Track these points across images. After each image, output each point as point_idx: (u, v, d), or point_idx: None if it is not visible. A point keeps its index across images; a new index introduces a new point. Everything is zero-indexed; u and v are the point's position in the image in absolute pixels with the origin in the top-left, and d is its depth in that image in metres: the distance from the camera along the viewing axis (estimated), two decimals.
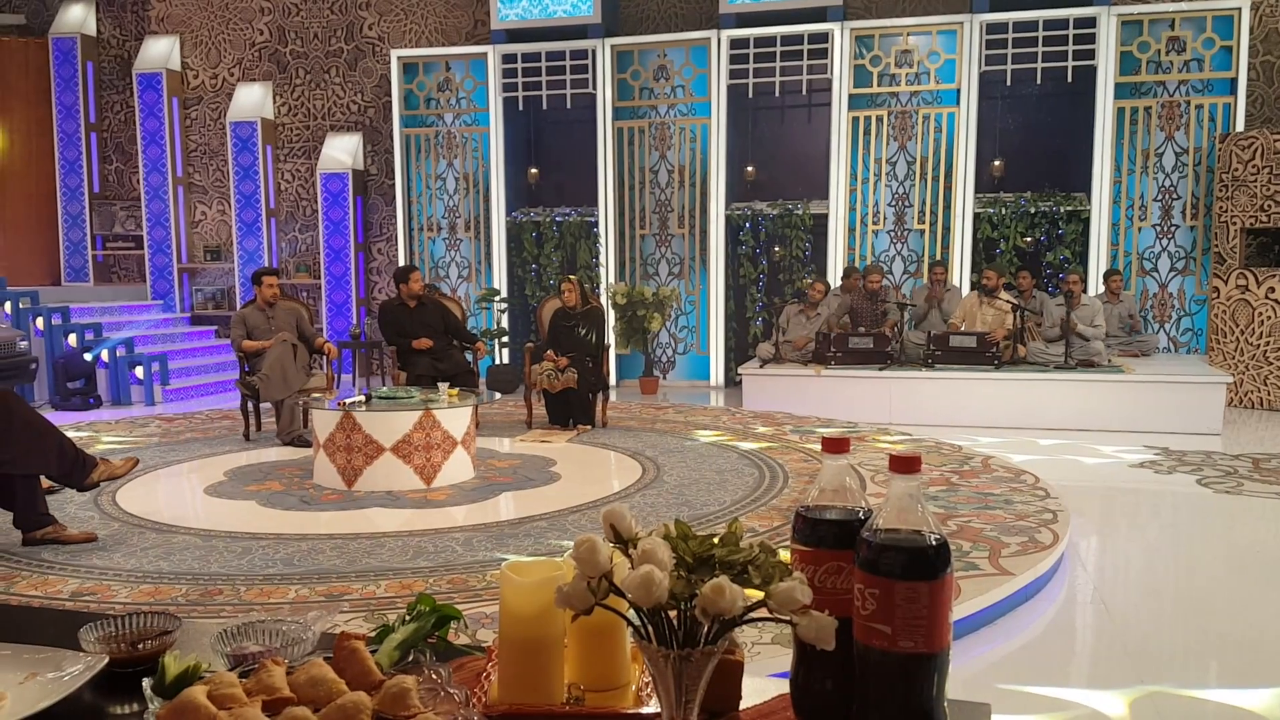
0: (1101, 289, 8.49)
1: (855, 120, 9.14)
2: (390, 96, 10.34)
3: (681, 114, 9.60)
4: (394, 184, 10.39)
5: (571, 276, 7.29)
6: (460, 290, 10.18)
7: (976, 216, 8.94)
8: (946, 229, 9.04)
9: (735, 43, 9.23)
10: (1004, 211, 8.87)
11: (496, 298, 9.71)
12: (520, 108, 10.01)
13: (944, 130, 8.98)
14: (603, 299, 9.30)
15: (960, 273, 8.92)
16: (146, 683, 0.97)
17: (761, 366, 8.10)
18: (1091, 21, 8.54)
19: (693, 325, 9.80)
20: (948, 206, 9.02)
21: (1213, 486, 5.40)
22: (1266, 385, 7.97)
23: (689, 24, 9.75)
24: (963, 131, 8.87)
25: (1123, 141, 8.68)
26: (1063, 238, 8.81)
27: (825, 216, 9.24)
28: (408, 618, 1.13)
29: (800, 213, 9.33)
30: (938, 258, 8.98)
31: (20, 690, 1.02)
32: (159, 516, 4.66)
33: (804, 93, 9.46)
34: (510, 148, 10.05)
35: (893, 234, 9.21)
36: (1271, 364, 7.94)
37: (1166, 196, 8.68)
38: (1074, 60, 8.60)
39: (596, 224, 9.75)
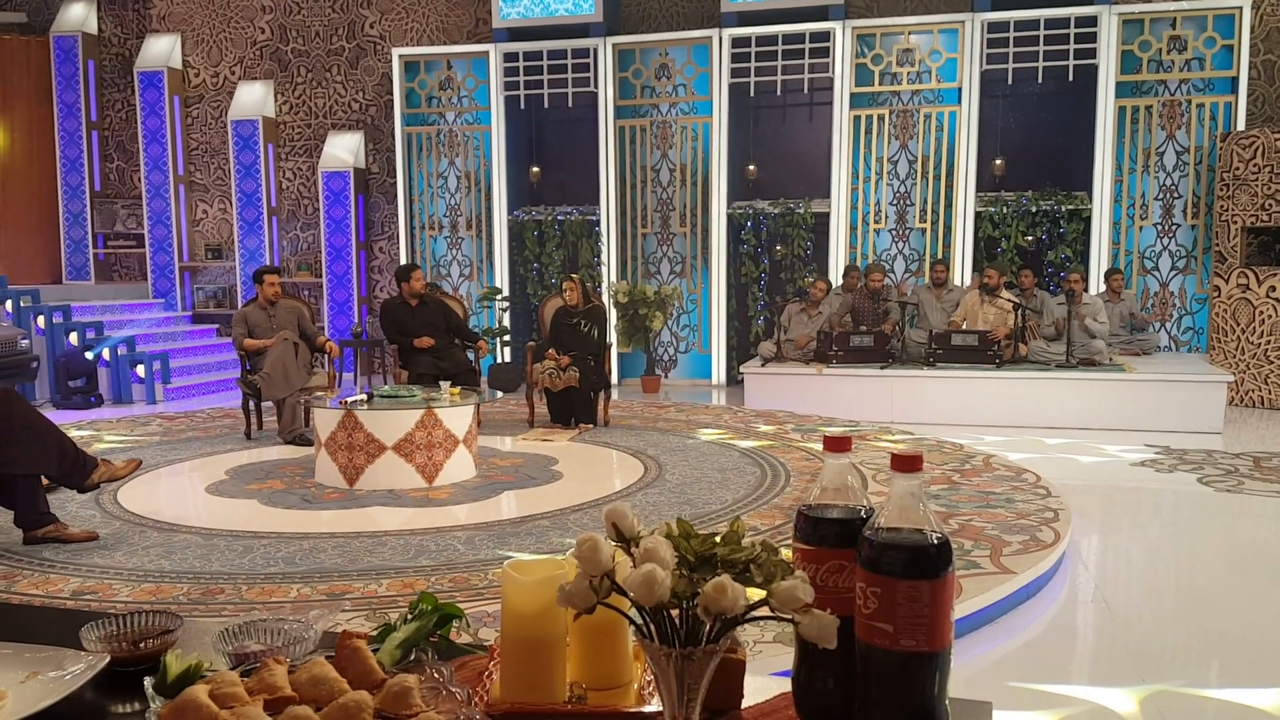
0: (1103, 288, 8.48)
1: (857, 119, 9.13)
2: (392, 95, 10.34)
3: (683, 113, 9.60)
4: (395, 182, 10.39)
5: (573, 275, 7.29)
6: (462, 289, 10.18)
7: (978, 215, 8.93)
8: (948, 228, 9.04)
9: (737, 41, 9.23)
10: (1005, 210, 8.87)
11: (498, 296, 9.71)
12: (522, 106, 10.01)
13: (945, 129, 8.98)
14: (604, 298, 9.30)
15: (961, 271, 8.92)
16: (148, 682, 0.97)
17: (763, 365, 8.10)
18: (1093, 20, 8.53)
19: (694, 324, 9.80)
20: (949, 205, 9.02)
21: (1214, 485, 5.40)
22: (1267, 384, 7.97)
23: (690, 23, 9.74)
24: (964, 130, 8.86)
25: (1124, 140, 8.68)
26: (1064, 236, 8.81)
27: (827, 215, 9.24)
28: (410, 616, 1.13)
29: (802, 211, 9.33)
30: (939, 256, 8.97)
31: (21, 689, 1.02)
32: (160, 515, 4.66)
33: (805, 91, 9.45)
34: (512, 146, 10.04)
35: (894, 233, 9.21)
36: (1272, 363, 7.94)
37: (1167, 195, 8.67)
38: (1075, 59, 8.59)
39: (598, 222, 9.75)
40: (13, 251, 11.05)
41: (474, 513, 4.69)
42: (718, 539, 0.92)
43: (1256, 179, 7.95)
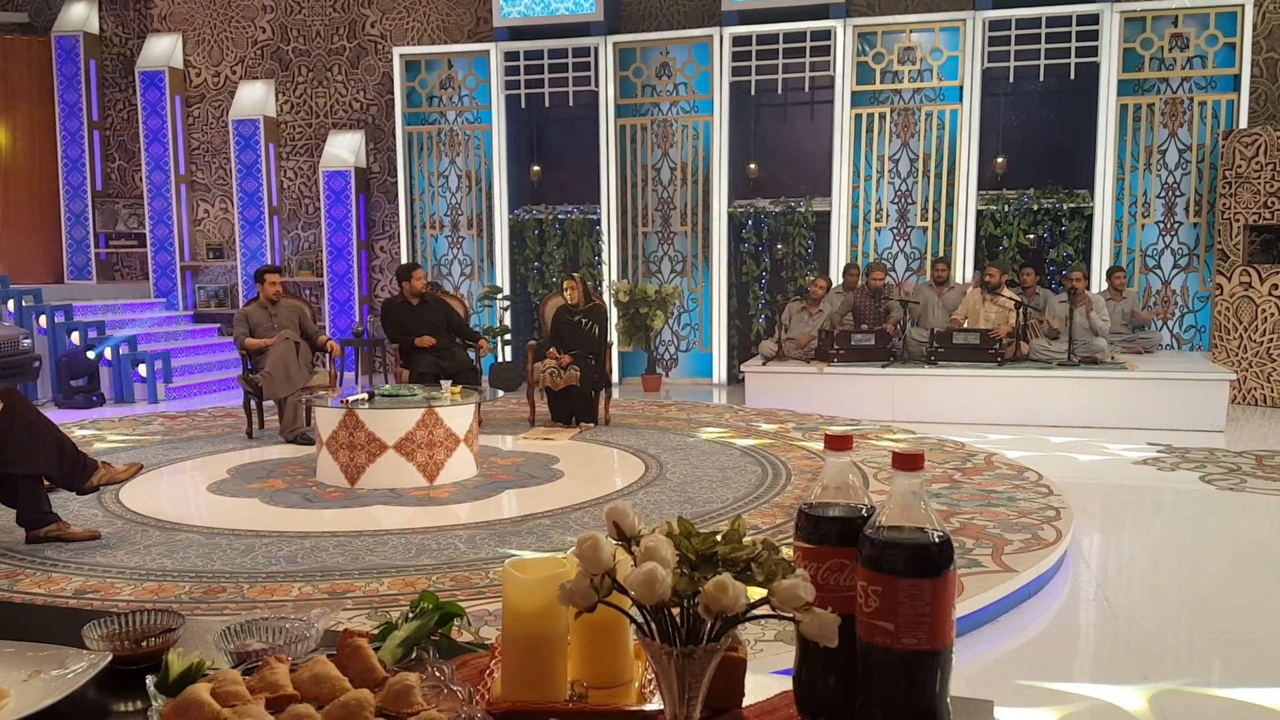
0: (1105, 286, 8.48)
1: (858, 117, 9.13)
2: (393, 94, 10.34)
3: (684, 111, 9.59)
4: (396, 181, 10.39)
5: (574, 274, 7.29)
6: (463, 288, 10.19)
7: (979, 213, 8.93)
8: (949, 226, 9.03)
9: (738, 40, 9.22)
10: (1007, 208, 8.86)
11: (499, 295, 9.71)
12: (523, 105, 10.01)
13: (947, 127, 8.97)
14: (605, 296, 9.30)
15: (963, 270, 8.91)
16: (150, 680, 0.97)
17: (764, 364, 8.10)
18: (1094, 18, 8.52)
19: (695, 323, 9.80)
20: (950, 204, 9.01)
21: (1216, 484, 5.39)
22: (1270, 382, 7.96)
23: (691, 21, 9.74)
24: (965, 128, 8.85)
25: (1126, 138, 8.67)
26: (1065, 235, 8.80)
27: (828, 214, 9.24)
28: (411, 615, 1.13)
29: (803, 210, 9.33)
30: (940, 255, 8.97)
31: (24, 688, 1.02)
32: (162, 514, 4.67)
33: (806, 90, 9.45)
34: (513, 145, 10.04)
35: (895, 231, 9.21)
36: (1275, 361, 7.93)
37: (1169, 193, 8.67)
38: (1077, 57, 8.58)
39: (599, 221, 9.75)
40: (15, 251, 11.05)
41: (475, 511, 4.69)
42: (719, 537, 0.92)
43: (1259, 177, 7.94)
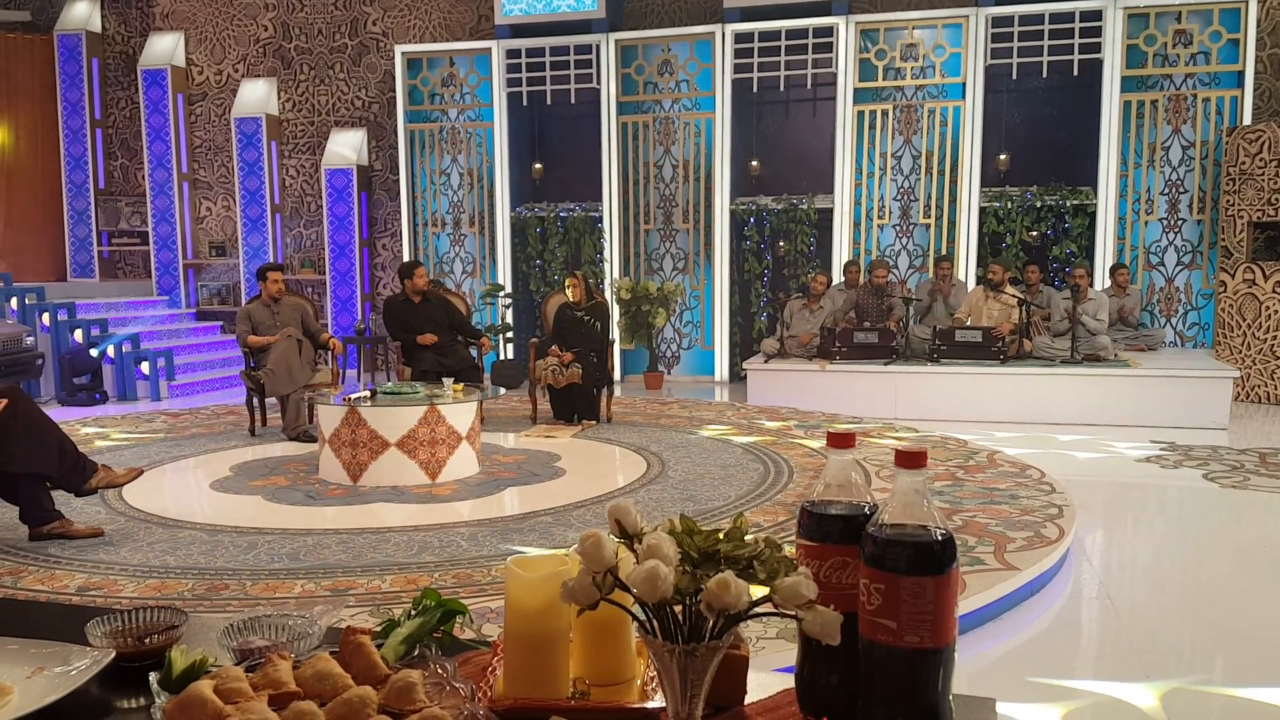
0: (1108, 283, 8.46)
1: (860, 114, 9.12)
2: (394, 92, 10.34)
3: (686, 109, 9.58)
4: (398, 179, 10.39)
5: (576, 272, 7.29)
6: (465, 286, 10.19)
7: (982, 211, 8.91)
8: (952, 223, 9.02)
9: (739, 37, 9.21)
10: (1010, 205, 8.85)
11: (501, 293, 9.72)
12: (524, 103, 10.00)
13: (949, 124, 8.96)
14: (607, 294, 9.29)
15: (966, 267, 8.90)
16: (153, 677, 0.98)
17: (766, 361, 8.10)
18: (1097, 15, 8.50)
19: (697, 320, 9.79)
20: (953, 201, 9.00)
21: (1219, 481, 5.39)
22: (1274, 379, 7.95)
23: (693, 18, 9.73)
24: (968, 125, 8.84)
25: (1129, 135, 8.65)
26: (1069, 232, 8.79)
27: (830, 211, 9.23)
28: (413, 612, 1.13)
29: (805, 207, 9.32)
30: (943, 252, 8.96)
31: (27, 685, 1.02)
32: (165, 512, 4.68)
33: (809, 87, 9.44)
34: (514, 143, 10.04)
35: (898, 228, 9.20)
36: (1278, 358, 7.92)
37: (1173, 190, 8.65)
38: (1080, 54, 8.57)
39: (601, 219, 9.75)
40: (18, 249, 11.07)
41: (477, 509, 4.69)
42: (721, 535, 0.92)
43: (1263, 174, 7.93)
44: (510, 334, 9.74)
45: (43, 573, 3.74)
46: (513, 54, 9.73)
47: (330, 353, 6.89)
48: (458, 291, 9.28)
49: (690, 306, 9.78)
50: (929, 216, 9.10)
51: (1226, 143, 8.17)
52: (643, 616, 0.89)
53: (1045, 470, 5.26)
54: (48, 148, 11.22)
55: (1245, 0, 8.28)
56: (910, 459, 0.91)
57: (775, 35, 9.13)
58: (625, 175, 9.74)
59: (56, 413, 7.48)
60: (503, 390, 7.31)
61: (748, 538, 0.92)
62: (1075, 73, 8.64)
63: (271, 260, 10.61)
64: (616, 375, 9.00)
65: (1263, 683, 2.86)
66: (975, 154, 8.85)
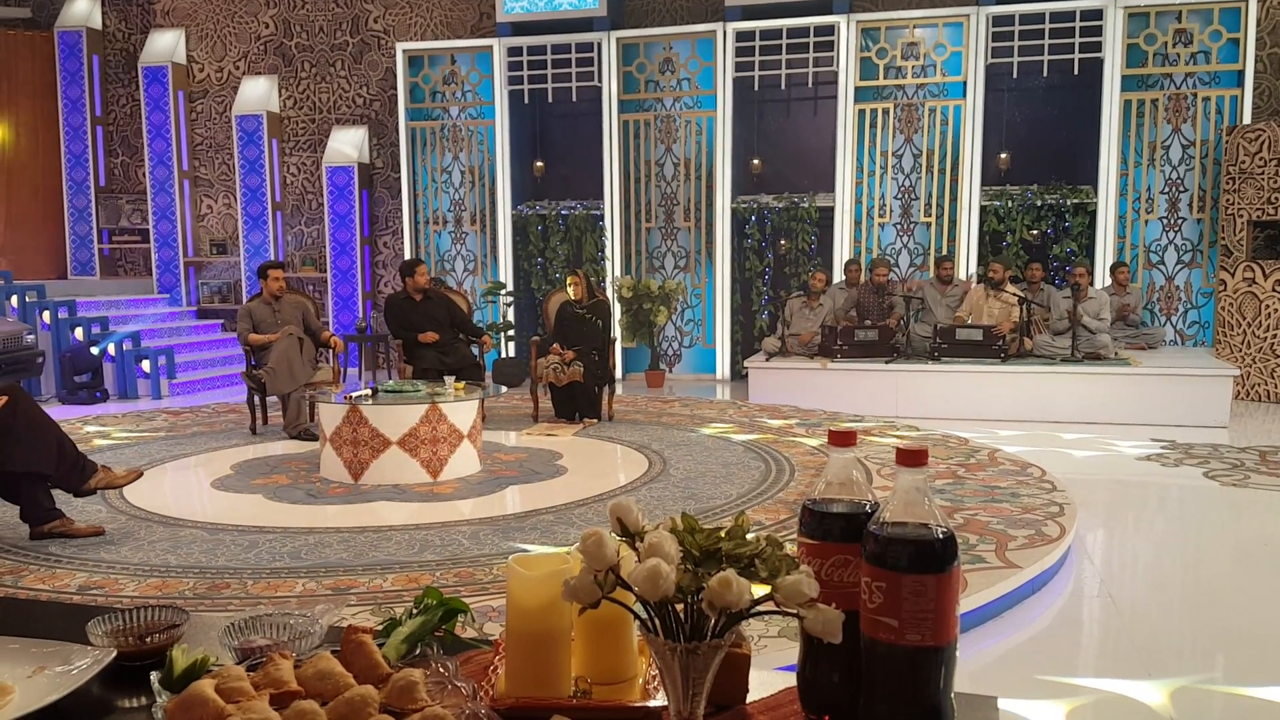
0: (1108, 282, 8.46)
1: (861, 113, 9.11)
2: (396, 90, 10.33)
3: (687, 107, 9.58)
4: (400, 177, 10.39)
5: (578, 270, 7.29)
6: (466, 284, 10.19)
7: (983, 209, 8.91)
8: (953, 222, 9.02)
9: (741, 35, 9.21)
10: (1010, 204, 8.84)
11: (502, 291, 9.71)
12: (526, 101, 10.00)
13: (950, 123, 8.95)
14: (609, 292, 9.29)
15: (967, 265, 8.90)
16: (154, 676, 0.98)
17: (767, 360, 8.10)
18: (1098, 14, 8.50)
19: (699, 318, 9.79)
20: (954, 199, 9.00)
21: (1220, 479, 5.38)
22: (1274, 378, 7.95)
23: (694, 16, 9.72)
24: (969, 124, 8.84)
25: (1129, 134, 8.65)
26: (1069, 230, 8.78)
27: (831, 209, 9.22)
28: (415, 611, 1.13)
29: (806, 206, 9.32)
30: (944, 252, 8.95)
31: (28, 684, 1.02)
32: (166, 510, 4.68)
33: (810, 85, 9.43)
34: (516, 141, 10.04)
35: (899, 227, 9.19)
36: (1278, 356, 7.91)
37: (1173, 189, 8.64)
38: (1080, 53, 8.56)
39: (602, 217, 9.74)
40: (18, 247, 11.06)
41: (478, 507, 4.69)
42: (722, 533, 0.92)
43: (1263, 172, 7.92)
44: (512, 332, 9.74)
45: (44, 572, 3.74)
46: (514, 52, 9.72)
47: (331, 351, 6.89)
48: (459, 289, 9.27)
49: (691, 305, 9.78)
50: (930, 215, 9.10)
51: (1226, 142, 8.16)
52: (644, 615, 0.88)
53: (1046, 468, 5.26)
54: (48, 145, 11.22)
55: (1245, 0, 8.29)
56: (911, 457, 0.91)
57: (776, 34, 9.13)
58: (627, 173, 9.74)
59: (57, 411, 7.48)
60: (504, 388, 7.31)
61: (749, 536, 0.92)
62: (1076, 72, 8.64)
63: (272, 258, 10.60)
64: (618, 373, 9.00)
65: (1264, 681, 2.86)
66: (976, 153, 8.85)
